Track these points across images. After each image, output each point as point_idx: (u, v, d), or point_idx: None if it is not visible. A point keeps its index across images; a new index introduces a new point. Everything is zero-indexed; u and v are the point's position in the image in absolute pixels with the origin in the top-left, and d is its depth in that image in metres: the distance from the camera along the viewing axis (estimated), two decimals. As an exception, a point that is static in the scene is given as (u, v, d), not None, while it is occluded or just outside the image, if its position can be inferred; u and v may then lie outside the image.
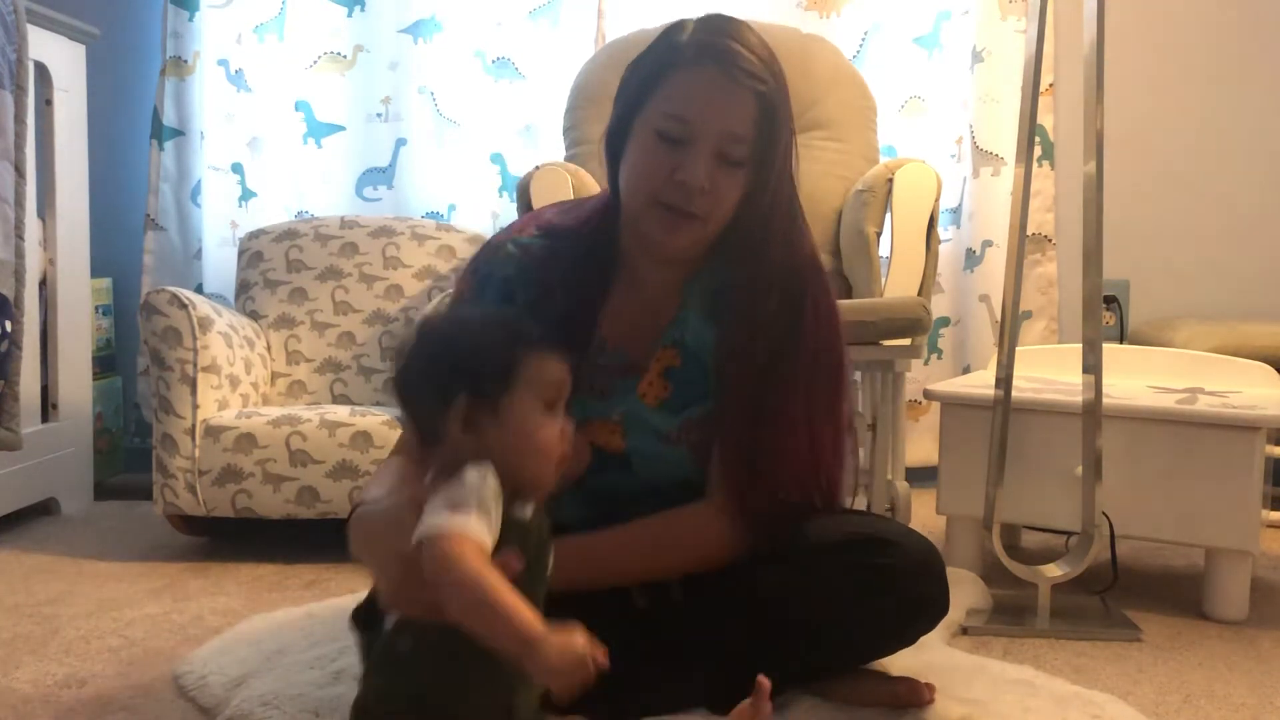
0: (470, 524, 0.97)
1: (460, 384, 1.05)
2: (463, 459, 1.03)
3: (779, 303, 1.31)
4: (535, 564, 1.05)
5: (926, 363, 2.81)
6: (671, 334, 1.37)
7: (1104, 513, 1.76)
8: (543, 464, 1.07)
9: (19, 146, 2.04)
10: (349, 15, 2.88)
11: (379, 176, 2.90)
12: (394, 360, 1.17)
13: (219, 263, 2.89)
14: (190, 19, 2.86)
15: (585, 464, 1.30)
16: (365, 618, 1.13)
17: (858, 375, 2.23)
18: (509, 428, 1.05)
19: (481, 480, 1.01)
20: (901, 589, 1.28)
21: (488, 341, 1.08)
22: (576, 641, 0.94)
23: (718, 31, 1.27)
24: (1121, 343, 2.64)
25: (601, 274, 1.36)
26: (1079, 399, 1.78)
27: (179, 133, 2.89)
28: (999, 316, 2.67)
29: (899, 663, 1.40)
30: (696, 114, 1.23)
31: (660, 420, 1.36)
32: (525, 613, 0.94)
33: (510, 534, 1.02)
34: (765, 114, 1.25)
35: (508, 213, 2.81)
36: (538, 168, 2.32)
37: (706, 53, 1.25)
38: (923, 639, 1.41)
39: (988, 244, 2.78)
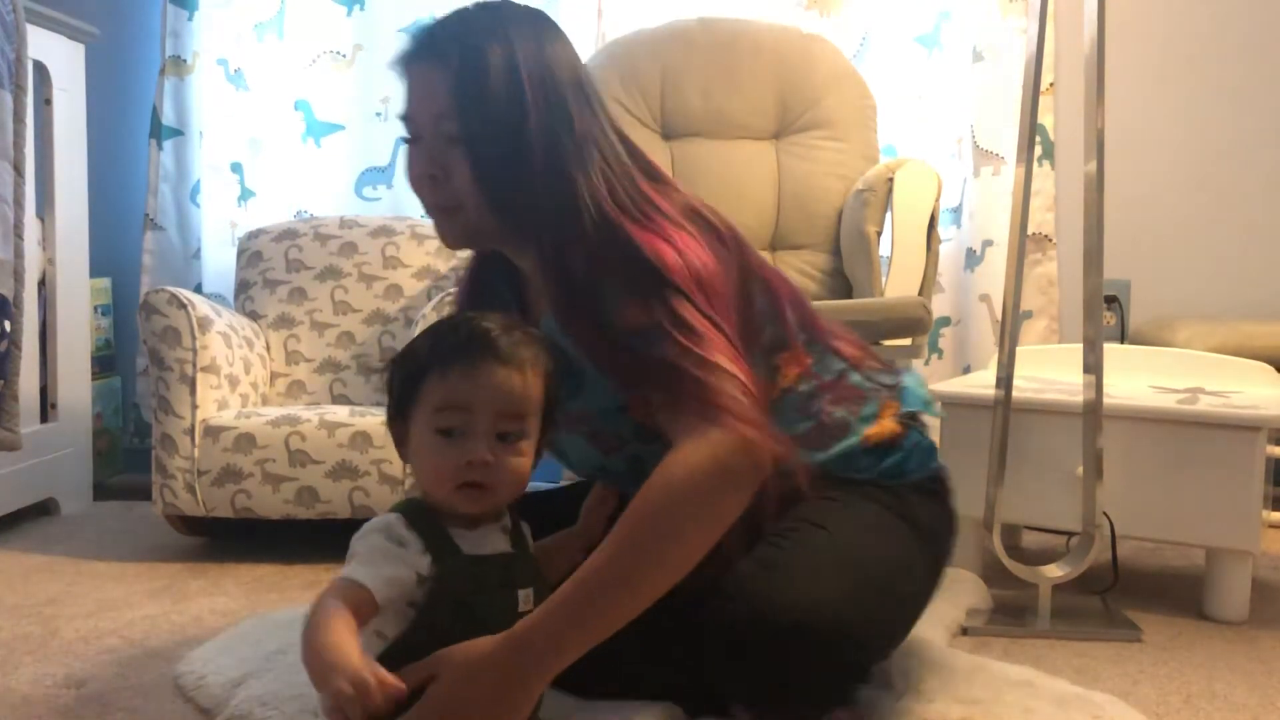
0: (352, 573, 1.00)
1: (390, 405, 1.09)
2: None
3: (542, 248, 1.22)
4: (487, 603, 1.04)
5: (927, 363, 2.81)
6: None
7: (1105, 513, 1.76)
8: (435, 489, 1.06)
9: (18, 146, 2.04)
10: (348, 14, 2.88)
11: (378, 176, 2.90)
12: None
13: (218, 262, 2.89)
14: (189, 18, 2.86)
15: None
16: None
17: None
18: (415, 448, 1.07)
19: (373, 531, 1.03)
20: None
21: (404, 357, 1.09)
22: (369, 687, 0.91)
23: None
24: (1122, 343, 2.64)
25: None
26: (1079, 399, 1.78)
27: (178, 132, 2.89)
28: (999, 316, 2.67)
29: (896, 664, 1.40)
30: None
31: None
32: (338, 651, 0.93)
33: (457, 568, 1.03)
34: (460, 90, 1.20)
35: (507, 212, 2.80)
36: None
37: None
38: (923, 638, 1.42)
39: (988, 244, 2.78)
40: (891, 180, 2.24)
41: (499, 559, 1.07)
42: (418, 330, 2.23)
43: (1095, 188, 1.73)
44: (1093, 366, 1.75)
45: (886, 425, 1.35)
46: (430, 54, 1.22)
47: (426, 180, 1.24)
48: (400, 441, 1.10)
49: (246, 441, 2.16)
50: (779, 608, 1.10)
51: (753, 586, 1.13)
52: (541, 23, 1.27)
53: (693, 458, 1.08)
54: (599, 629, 1.05)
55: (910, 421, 1.39)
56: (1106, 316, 2.66)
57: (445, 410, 1.04)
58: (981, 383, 2.02)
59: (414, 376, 1.06)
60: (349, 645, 0.94)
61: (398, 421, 1.09)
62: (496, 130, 1.18)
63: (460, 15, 1.25)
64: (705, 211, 1.27)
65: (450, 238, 1.28)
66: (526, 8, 1.28)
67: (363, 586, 0.99)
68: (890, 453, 1.35)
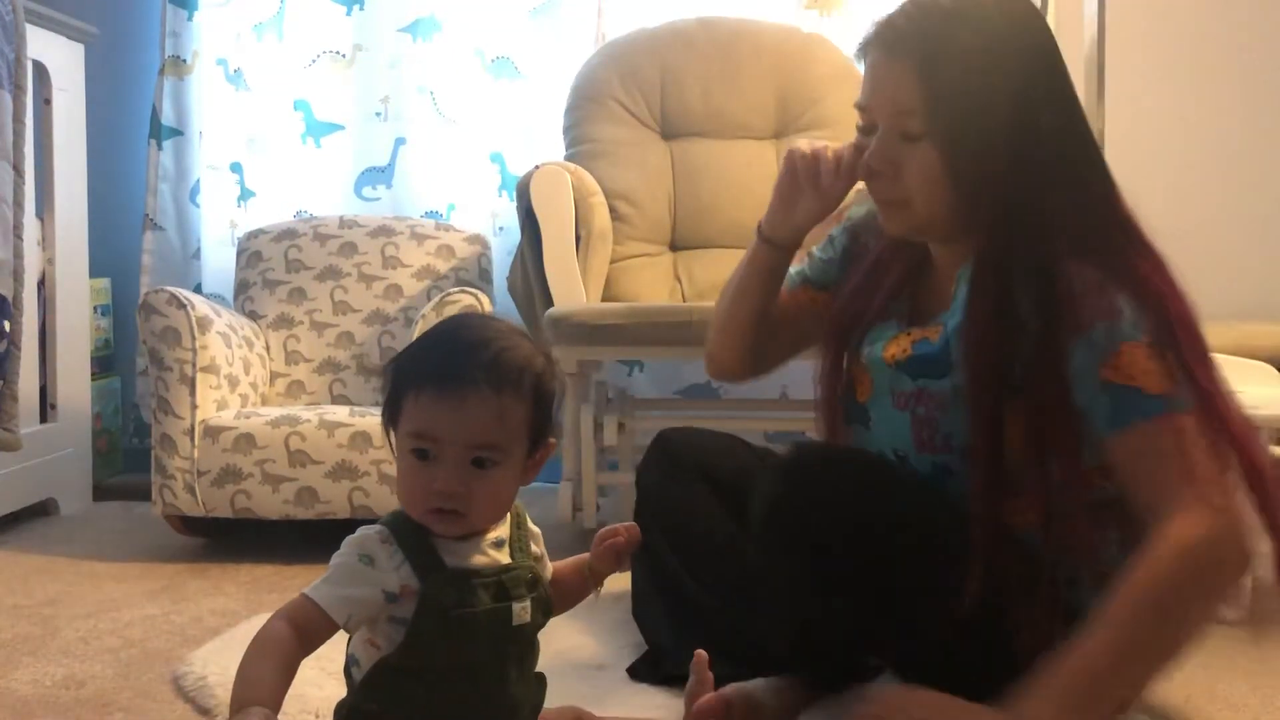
0: (316, 596, 0.99)
1: (384, 412, 1.06)
2: None
3: (1029, 297, 1.14)
4: (481, 617, 1.03)
5: (926, 362, 2.80)
6: (942, 316, 1.26)
7: (1105, 513, 1.75)
8: (410, 510, 1.04)
9: (18, 146, 2.04)
10: (348, 14, 2.87)
11: (378, 176, 2.90)
12: None
13: (218, 262, 2.88)
14: (189, 18, 2.85)
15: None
16: None
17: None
18: (399, 462, 1.05)
19: (348, 546, 1.03)
20: None
21: (389, 374, 1.06)
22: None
23: None
24: (1122, 342, 2.63)
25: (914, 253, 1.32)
26: (1080, 399, 1.77)
27: (178, 132, 2.89)
28: (999, 316, 2.67)
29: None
30: None
31: (891, 379, 1.26)
32: (259, 686, 0.94)
33: (444, 581, 1.02)
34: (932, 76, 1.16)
35: (507, 212, 2.80)
36: (537, 167, 2.32)
37: None
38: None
39: (988, 244, 2.77)
40: (891, 180, 2.24)
41: (489, 571, 1.05)
42: (417, 331, 2.24)
43: (1095, 188, 1.73)
44: (1093, 366, 1.74)
45: None
46: (891, 46, 1.19)
47: (875, 176, 1.21)
48: (393, 448, 1.07)
49: (246, 442, 2.16)
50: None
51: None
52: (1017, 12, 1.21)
53: (1188, 538, 1.04)
54: (1096, 710, 1.02)
55: None
56: (1106, 316, 2.65)
57: (416, 435, 1.02)
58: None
59: (396, 392, 1.03)
60: (270, 680, 0.95)
61: (389, 430, 1.07)
62: (970, 128, 1.14)
63: (928, 6, 1.19)
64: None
65: (893, 228, 1.25)
66: None
67: (316, 605, 0.99)
68: None
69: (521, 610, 1.05)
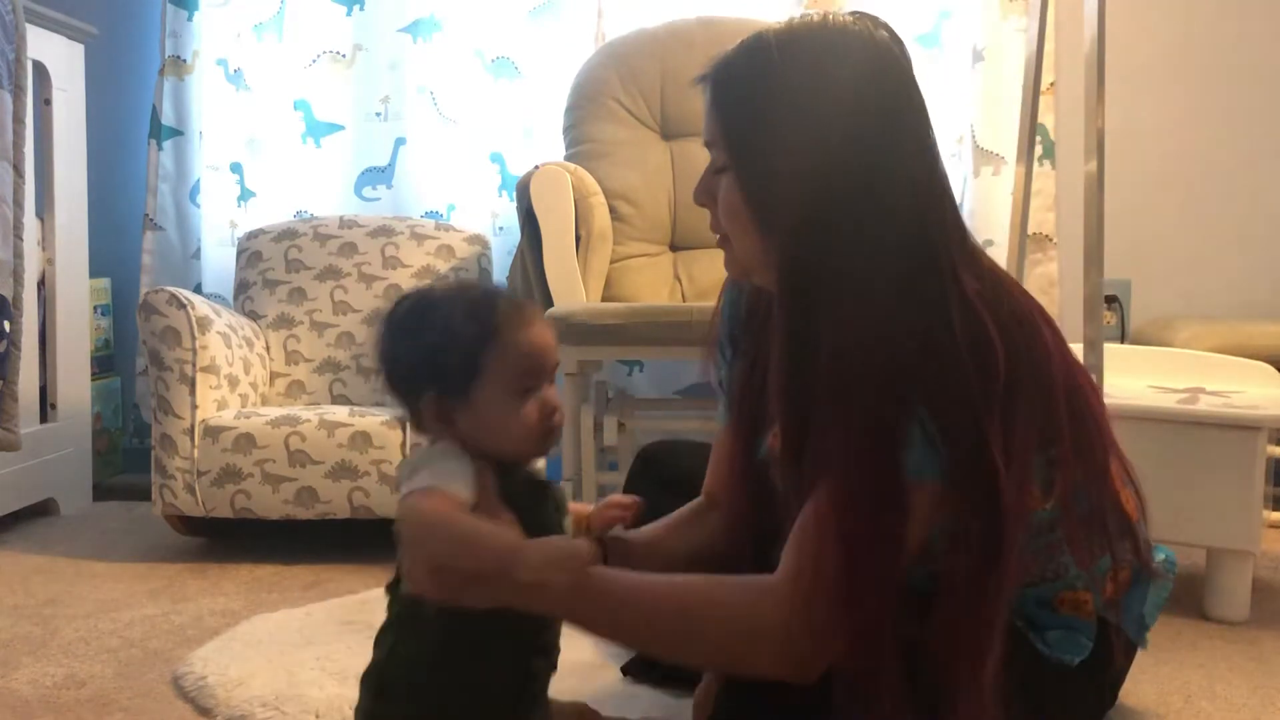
0: (436, 483, 0.98)
1: (427, 382, 1.05)
2: (449, 440, 1.05)
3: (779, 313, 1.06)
4: (547, 525, 1.06)
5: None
6: None
7: (1105, 513, 1.76)
8: (518, 446, 1.07)
9: (17, 146, 2.04)
10: (348, 14, 2.87)
11: (378, 176, 2.90)
12: (374, 347, 1.13)
13: (218, 262, 2.89)
14: (189, 18, 2.86)
15: None
16: (392, 582, 1.09)
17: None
18: (484, 417, 1.04)
19: (450, 454, 1.03)
20: None
21: (451, 337, 1.05)
22: (554, 542, 0.96)
23: None
24: (1123, 342, 2.64)
25: None
26: (1080, 399, 1.77)
27: (178, 132, 2.89)
28: (999, 316, 2.67)
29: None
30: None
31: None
32: (496, 532, 0.95)
33: (516, 493, 1.04)
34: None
35: (507, 213, 2.80)
36: (537, 167, 2.32)
37: None
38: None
39: (989, 243, 2.77)
40: (891, 180, 2.24)
41: (547, 486, 1.11)
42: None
43: (1095, 188, 1.73)
44: (1093, 366, 1.75)
45: (1083, 599, 1.15)
46: (704, 77, 1.12)
47: (703, 207, 1.17)
48: (442, 418, 1.05)
49: (246, 442, 2.16)
50: None
51: None
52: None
53: (759, 607, 0.98)
54: (592, 630, 1.04)
55: (1109, 617, 1.17)
56: (1106, 316, 2.66)
57: (527, 372, 1.05)
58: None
59: (473, 351, 1.04)
60: (501, 531, 0.96)
61: (445, 399, 1.05)
62: (758, 163, 1.06)
63: (752, 42, 1.08)
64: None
65: (727, 269, 1.17)
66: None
67: (455, 497, 0.98)
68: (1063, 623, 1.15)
69: (570, 524, 1.10)
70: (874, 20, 1.06)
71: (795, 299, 1.03)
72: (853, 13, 1.07)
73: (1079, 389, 1.06)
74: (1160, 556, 1.24)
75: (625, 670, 1.46)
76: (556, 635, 1.09)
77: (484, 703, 1.03)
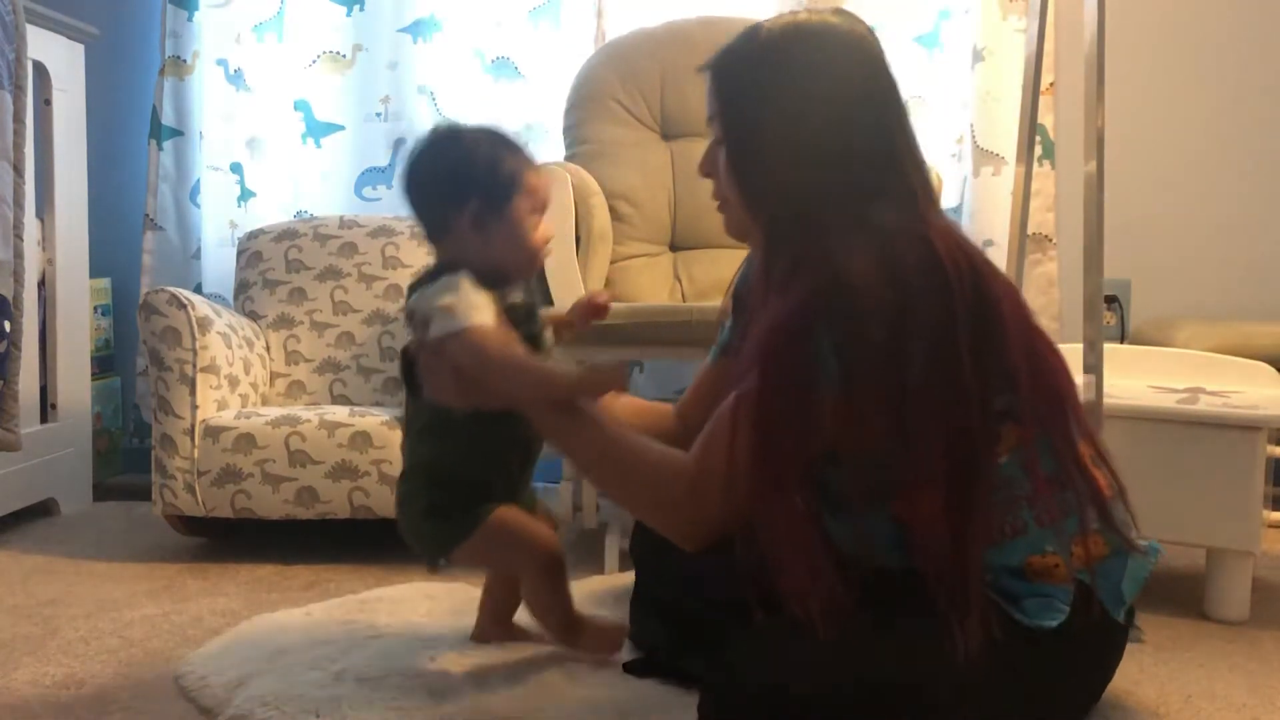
0: (474, 317, 1.23)
1: (474, 190, 1.31)
2: (465, 253, 1.31)
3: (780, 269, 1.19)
4: (537, 338, 1.35)
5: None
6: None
7: (1105, 513, 1.76)
8: (532, 256, 1.35)
9: (18, 146, 2.04)
10: (348, 14, 2.88)
11: (378, 176, 2.90)
12: (407, 163, 1.37)
13: (218, 263, 2.89)
14: (189, 18, 2.86)
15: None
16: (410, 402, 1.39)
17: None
18: (510, 227, 1.32)
19: (468, 286, 1.25)
20: None
21: (498, 156, 1.33)
22: (587, 372, 1.21)
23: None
24: (1122, 342, 2.64)
25: None
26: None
27: (178, 132, 2.89)
28: (999, 316, 2.67)
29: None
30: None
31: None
32: (541, 366, 1.25)
33: (514, 315, 1.30)
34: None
35: (507, 212, 2.80)
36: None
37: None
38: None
39: (988, 243, 2.77)
40: (891, 180, 2.24)
41: (530, 306, 1.38)
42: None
43: (1095, 188, 1.73)
44: (1093, 366, 1.75)
45: (1053, 563, 1.17)
46: (708, 61, 1.30)
47: (706, 177, 1.34)
48: (477, 225, 1.31)
49: (246, 442, 2.16)
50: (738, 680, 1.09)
51: (739, 653, 1.12)
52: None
53: (673, 471, 1.20)
54: (565, 449, 1.28)
55: (1084, 577, 1.18)
56: (1106, 316, 2.66)
57: (542, 201, 1.35)
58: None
59: (512, 173, 1.32)
60: (544, 365, 1.30)
61: (486, 208, 1.31)
62: (743, 136, 1.25)
63: (752, 31, 1.27)
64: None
65: (727, 230, 1.33)
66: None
67: (491, 328, 1.24)
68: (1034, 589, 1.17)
69: (549, 336, 1.41)
70: (853, 17, 1.24)
71: (776, 249, 1.20)
72: (835, 10, 1.25)
73: (1044, 364, 1.16)
74: (1143, 544, 1.25)
75: (627, 668, 1.46)
76: (539, 438, 1.40)
77: (499, 478, 1.38)
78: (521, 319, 1.32)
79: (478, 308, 1.24)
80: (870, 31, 1.23)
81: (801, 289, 1.11)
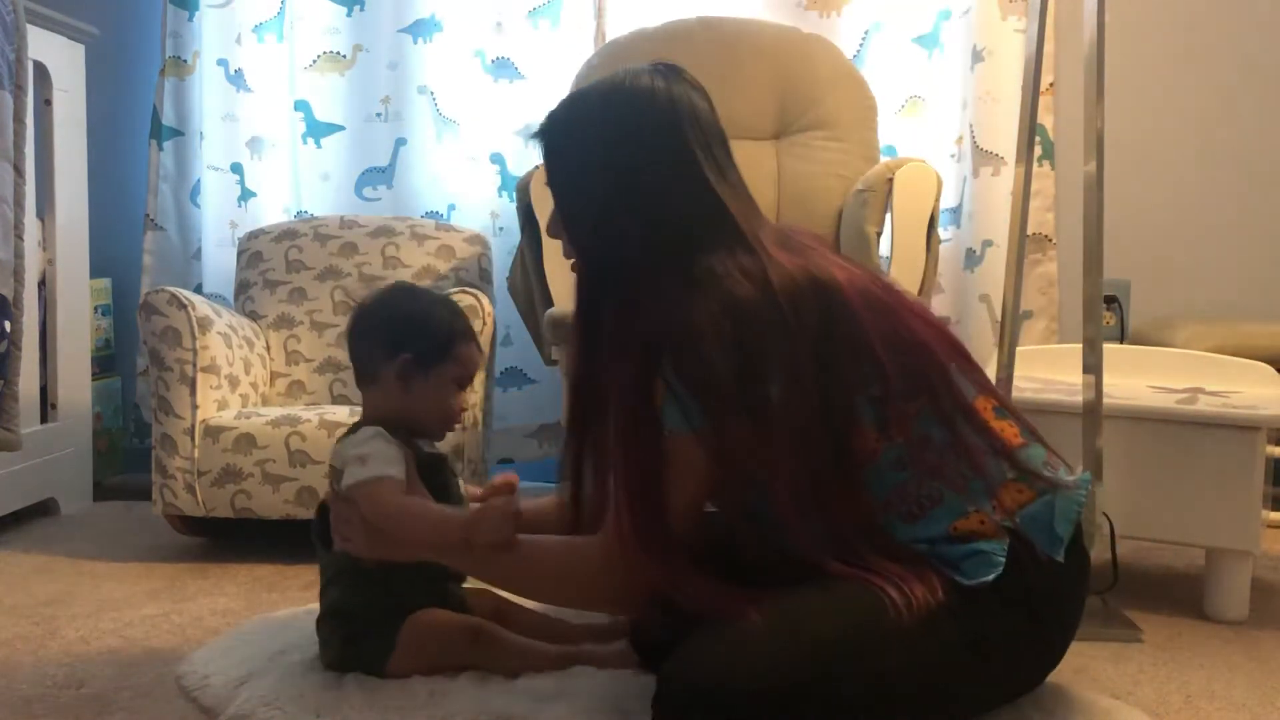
0: (384, 471, 1.28)
1: (409, 345, 1.36)
2: (388, 403, 1.37)
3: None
4: (447, 487, 1.38)
5: (926, 363, 2.80)
6: None
7: (1104, 513, 1.76)
8: (440, 424, 1.41)
9: (18, 146, 2.04)
10: (348, 15, 2.88)
11: (378, 176, 2.90)
12: (356, 308, 1.45)
13: (218, 263, 2.89)
14: (190, 19, 2.86)
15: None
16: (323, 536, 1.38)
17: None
18: (433, 389, 1.38)
19: (382, 440, 1.31)
20: None
21: (440, 322, 1.40)
22: (486, 512, 1.24)
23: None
24: (1122, 343, 2.64)
25: None
26: (1079, 399, 1.78)
27: (178, 132, 2.89)
28: (999, 316, 2.67)
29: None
30: None
31: None
32: (443, 512, 1.28)
33: (423, 465, 1.34)
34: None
35: (508, 213, 2.80)
36: (537, 168, 2.31)
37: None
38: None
39: (988, 244, 2.78)
40: (891, 180, 2.24)
41: (444, 456, 1.44)
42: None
43: (1095, 188, 1.74)
44: (1093, 366, 1.75)
45: (977, 521, 1.19)
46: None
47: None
48: (403, 379, 1.36)
49: (246, 442, 2.16)
50: (695, 674, 1.12)
51: (686, 649, 1.15)
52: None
53: (579, 555, 1.27)
54: (479, 578, 1.33)
55: (1010, 524, 1.19)
56: (1106, 316, 2.66)
57: (469, 374, 1.41)
58: (981, 383, 2.01)
59: (448, 339, 1.39)
60: (428, 507, 1.30)
61: (415, 365, 1.36)
62: (561, 190, 1.33)
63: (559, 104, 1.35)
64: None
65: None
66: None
67: (400, 480, 1.29)
68: (968, 547, 1.19)
69: (466, 487, 1.43)
70: (666, 71, 1.30)
71: (589, 289, 1.33)
72: (655, 64, 1.32)
73: (909, 342, 1.22)
74: (1070, 478, 1.26)
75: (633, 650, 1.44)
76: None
77: (411, 608, 1.36)
78: (432, 470, 1.37)
79: (389, 460, 1.29)
80: (681, 83, 1.30)
81: (640, 341, 1.19)
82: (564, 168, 1.31)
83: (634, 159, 1.27)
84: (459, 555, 1.28)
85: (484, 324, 2.25)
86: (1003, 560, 1.17)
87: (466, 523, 1.25)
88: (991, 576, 1.16)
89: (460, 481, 1.44)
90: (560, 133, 1.31)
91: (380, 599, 1.34)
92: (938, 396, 1.22)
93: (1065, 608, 1.26)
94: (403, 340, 1.37)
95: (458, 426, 1.52)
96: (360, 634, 1.35)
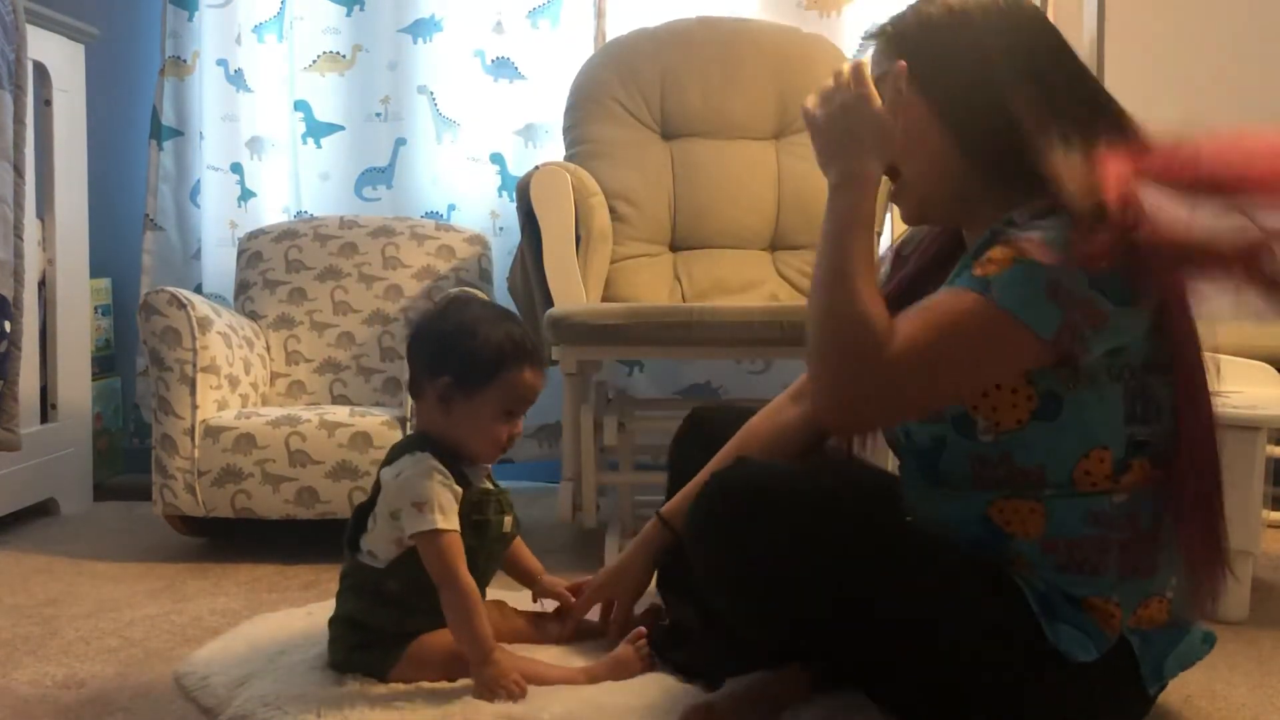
0: (442, 519, 1.26)
1: (450, 367, 1.30)
2: (432, 421, 1.33)
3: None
4: (484, 528, 1.34)
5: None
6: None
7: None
8: (484, 451, 1.34)
9: (18, 146, 2.04)
10: (348, 15, 2.88)
11: (378, 176, 2.90)
12: (416, 315, 1.49)
13: (218, 263, 2.89)
14: (189, 19, 2.86)
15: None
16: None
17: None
18: (472, 416, 1.31)
19: (437, 483, 1.28)
20: None
21: (487, 346, 1.30)
22: (509, 675, 1.24)
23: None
24: (1122, 342, 2.63)
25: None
26: (1080, 399, 1.77)
27: (178, 133, 2.89)
28: (999, 316, 2.67)
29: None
30: None
31: None
32: (489, 634, 1.27)
33: (473, 498, 1.31)
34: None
35: (508, 213, 2.80)
36: (538, 168, 2.32)
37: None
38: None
39: (988, 244, 2.77)
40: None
41: (492, 492, 1.37)
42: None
43: (1095, 188, 1.73)
44: (1093, 366, 1.74)
45: (1110, 609, 1.14)
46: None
47: None
48: (443, 401, 1.31)
49: (246, 442, 2.16)
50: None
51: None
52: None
53: (885, 326, 1.12)
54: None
55: (1132, 633, 1.15)
56: (1106, 316, 2.65)
57: (519, 401, 1.34)
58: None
59: (493, 364, 1.30)
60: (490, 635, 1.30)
61: (455, 389, 1.31)
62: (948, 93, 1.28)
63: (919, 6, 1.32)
64: None
65: (903, 214, 1.34)
66: None
67: (455, 531, 1.28)
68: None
69: (509, 522, 1.39)
70: None
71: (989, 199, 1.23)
72: None
73: (1206, 415, 1.14)
74: (1202, 630, 1.22)
75: (652, 645, 1.43)
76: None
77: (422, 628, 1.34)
78: (474, 508, 1.32)
79: (445, 511, 1.27)
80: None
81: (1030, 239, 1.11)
82: (960, 53, 1.27)
83: (1033, 43, 1.34)
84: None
85: None
86: (1096, 657, 1.12)
87: (482, 669, 1.26)
88: (1078, 660, 1.12)
89: (518, 532, 1.42)
90: (949, 23, 1.29)
91: (396, 619, 1.33)
92: (1200, 486, 1.12)
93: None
94: (444, 361, 1.31)
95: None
96: (368, 643, 1.35)
